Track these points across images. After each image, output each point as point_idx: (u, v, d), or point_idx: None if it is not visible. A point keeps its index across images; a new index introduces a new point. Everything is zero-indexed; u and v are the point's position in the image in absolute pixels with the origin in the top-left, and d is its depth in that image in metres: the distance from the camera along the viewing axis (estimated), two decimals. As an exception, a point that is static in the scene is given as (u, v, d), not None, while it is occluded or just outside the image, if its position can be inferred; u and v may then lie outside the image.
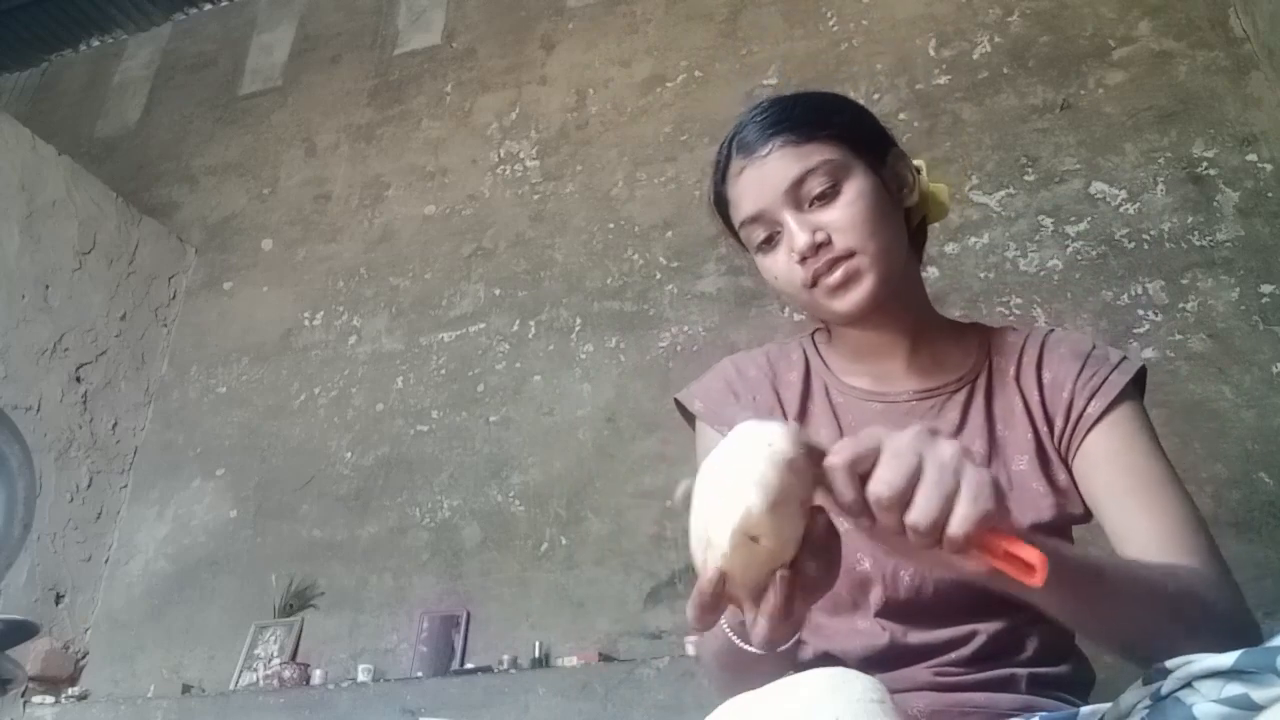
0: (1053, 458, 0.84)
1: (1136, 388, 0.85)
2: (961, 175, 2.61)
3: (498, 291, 3.04)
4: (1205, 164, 2.38)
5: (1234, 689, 0.48)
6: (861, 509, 0.54)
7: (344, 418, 3.00)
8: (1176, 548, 0.74)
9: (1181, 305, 2.24)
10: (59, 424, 2.95)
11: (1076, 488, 0.83)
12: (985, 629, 0.79)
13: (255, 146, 3.84)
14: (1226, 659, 0.49)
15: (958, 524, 0.51)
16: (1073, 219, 2.45)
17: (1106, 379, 0.83)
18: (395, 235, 3.33)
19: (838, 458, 0.54)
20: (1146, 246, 2.35)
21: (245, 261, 3.54)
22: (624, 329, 2.79)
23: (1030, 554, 0.50)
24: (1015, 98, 2.68)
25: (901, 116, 2.76)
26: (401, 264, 3.25)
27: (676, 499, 0.57)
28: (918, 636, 0.79)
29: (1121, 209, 2.42)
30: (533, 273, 3.03)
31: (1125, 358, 0.86)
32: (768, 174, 0.83)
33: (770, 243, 0.85)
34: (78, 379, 3.05)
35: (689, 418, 0.97)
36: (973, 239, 2.52)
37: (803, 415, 0.91)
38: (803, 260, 0.81)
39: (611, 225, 3.01)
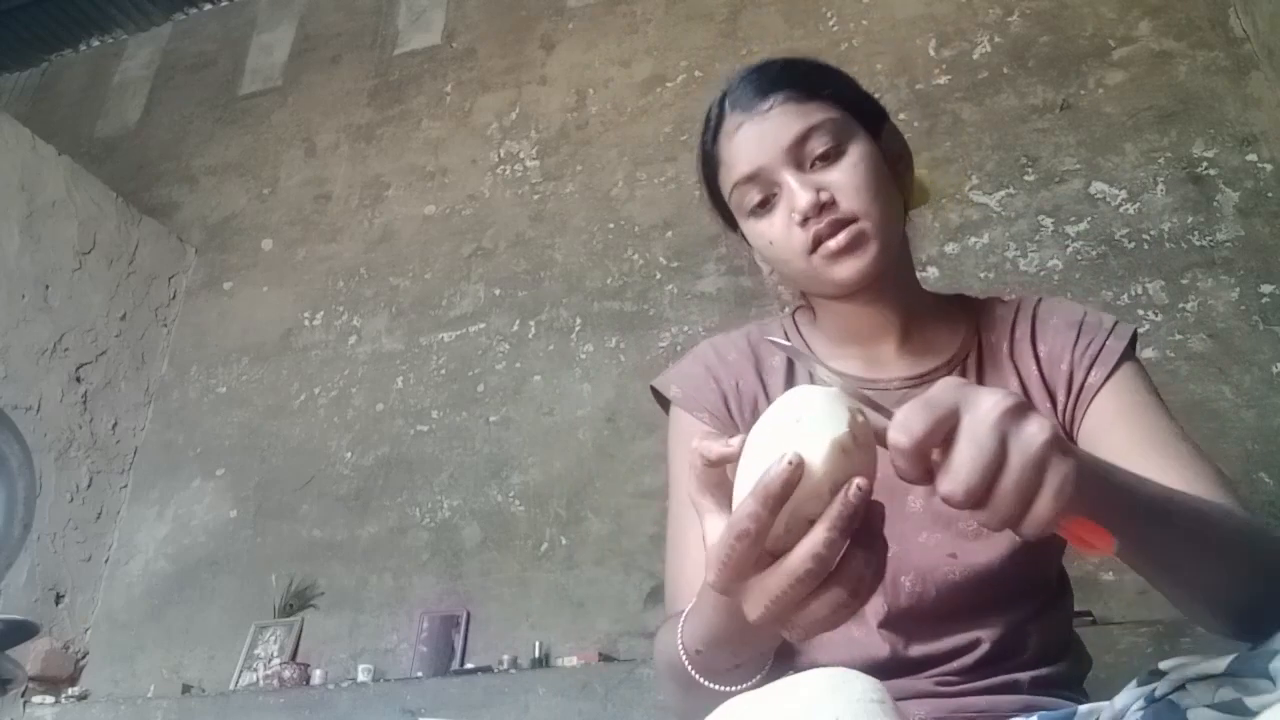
0: None
1: (1132, 350, 0.83)
2: (961, 175, 2.61)
3: (498, 291, 3.04)
4: (1205, 164, 2.38)
5: (1227, 693, 0.47)
6: (923, 481, 0.48)
7: (344, 418, 3.00)
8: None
9: (1181, 305, 2.24)
10: (59, 424, 2.95)
11: None
12: (988, 635, 0.76)
13: (255, 146, 3.84)
14: (1220, 663, 0.48)
15: (1032, 525, 0.46)
16: (1073, 219, 2.45)
17: (1104, 345, 0.81)
18: (395, 235, 3.33)
19: (905, 436, 0.47)
20: (1146, 246, 2.35)
21: (245, 261, 3.54)
22: (624, 329, 2.79)
23: (1100, 540, 0.47)
24: (1015, 98, 2.68)
25: (901, 116, 2.76)
26: (401, 264, 3.25)
27: (733, 443, 0.51)
28: (920, 649, 0.76)
29: (1121, 209, 2.42)
30: (533, 273, 3.03)
31: (1118, 321, 0.85)
32: (768, 130, 0.78)
33: (766, 206, 0.79)
34: (78, 379, 3.05)
35: (666, 404, 0.92)
36: (973, 239, 2.52)
37: None
38: (804, 222, 0.76)
39: (611, 225, 3.01)
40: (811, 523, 0.46)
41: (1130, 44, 2.62)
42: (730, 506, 0.50)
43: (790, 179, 0.77)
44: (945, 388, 0.49)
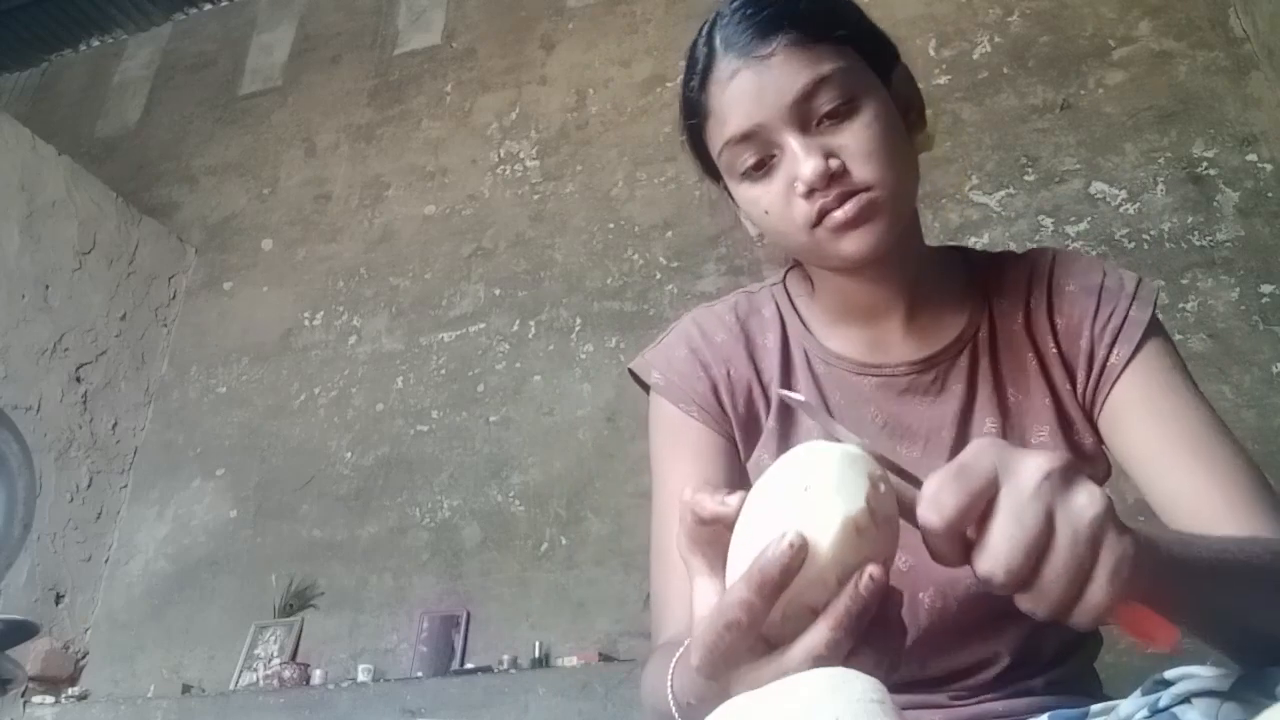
0: (1076, 420, 0.74)
1: (1157, 317, 0.75)
2: (961, 175, 2.61)
3: (498, 291, 3.04)
4: (1205, 164, 2.38)
5: (1231, 710, 0.47)
6: (961, 562, 0.43)
7: (344, 418, 3.00)
8: (1236, 508, 0.63)
9: (1181, 305, 2.24)
10: (59, 424, 2.95)
11: (1104, 447, 0.74)
12: (1007, 647, 0.71)
13: (255, 146, 3.84)
14: (1224, 682, 0.47)
15: (1085, 614, 0.41)
16: (1073, 219, 2.45)
17: (1127, 316, 0.73)
18: (395, 235, 3.33)
19: (936, 515, 0.42)
20: (1146, 246, 2.35)
21: (245, 261, 3.54)
22: (624, 329, 2.79)
23: (1162, 631, 0.42)
24: (1015, 98, 2.68)
25: (901, 116, 2.76)
26: (401, 264, 3.25)
27: (730, 502, 0.45)
28: (938, 666, 0.71)
29: (1121, 209, 2.42)
30: (533, 273, 3.03)
31: (1140, 280, 0.75)
32: (769, 81, 0.66)
33: (762, 168, 0.68)
34: (78, 379, 3.05)
35: (646, 387, 0.81)
36: (973, 239, 2.52)
37: None
38: (809, 193, 0.65)
39: (611, 225, 3.01)
40: (815, 612, 0.40)
41: (1130, 44, 2.62)
42: (724, 567, 0.44)
43: (794, 142, 0.66)
44: (980, 451, 0.43)
